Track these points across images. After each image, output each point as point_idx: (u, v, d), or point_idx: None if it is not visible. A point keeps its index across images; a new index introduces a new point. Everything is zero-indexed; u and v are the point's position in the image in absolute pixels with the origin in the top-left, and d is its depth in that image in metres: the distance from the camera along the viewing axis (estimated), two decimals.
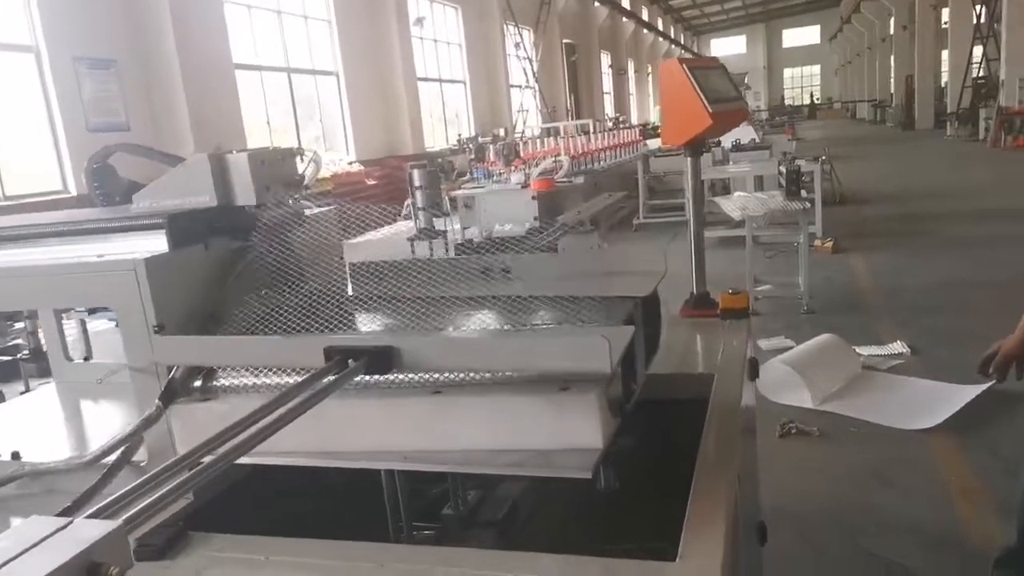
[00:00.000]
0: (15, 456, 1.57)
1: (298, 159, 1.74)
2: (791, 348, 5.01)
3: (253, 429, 1.09)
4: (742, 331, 2.16)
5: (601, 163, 11.26)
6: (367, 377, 1.30)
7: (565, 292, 1.60)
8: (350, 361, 1.19)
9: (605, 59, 34.59)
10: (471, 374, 1.29)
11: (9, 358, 5.98)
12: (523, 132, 19.97)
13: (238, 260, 1.55)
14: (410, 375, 1.32)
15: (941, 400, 4.18)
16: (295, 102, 14.96)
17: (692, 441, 1.56)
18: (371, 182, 15.23)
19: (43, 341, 2.30)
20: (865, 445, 3.83)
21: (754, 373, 2.15)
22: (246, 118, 12.58)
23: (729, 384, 1.82)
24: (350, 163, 15.31)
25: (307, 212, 1.80)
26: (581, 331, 1.33)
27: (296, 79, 14.98)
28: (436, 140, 19.52)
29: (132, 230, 1.50)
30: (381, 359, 1.19)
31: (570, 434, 1.21)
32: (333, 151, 15.78)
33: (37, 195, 9.28)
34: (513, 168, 10.11)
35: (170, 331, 1.40)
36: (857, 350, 4.96)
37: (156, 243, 1.46)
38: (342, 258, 1.93)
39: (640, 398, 1.48)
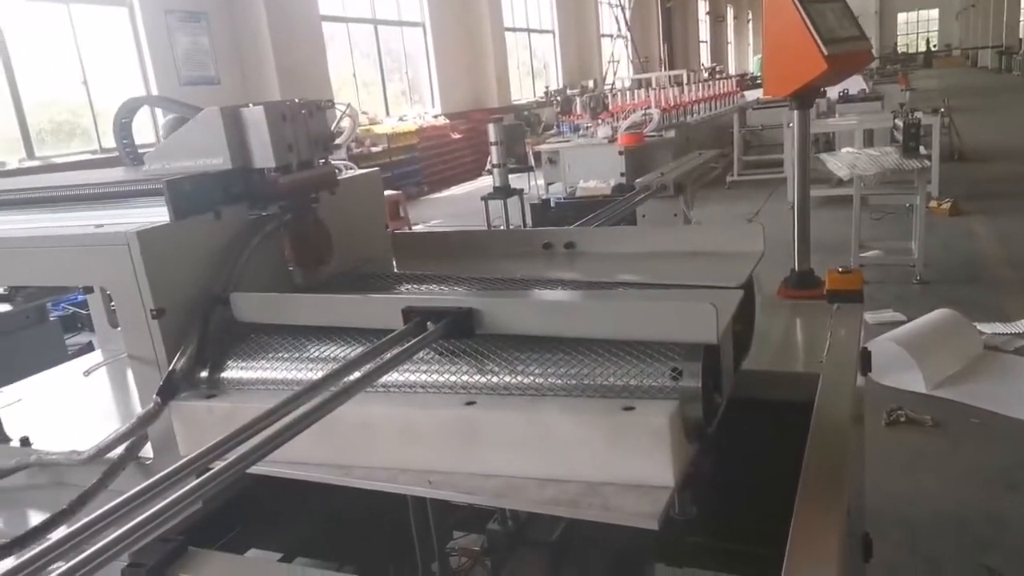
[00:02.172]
0: (24, 442, 1.44)
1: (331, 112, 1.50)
2: (902, 323, 4.53)
3: (281, 423, 0.90)
4: (854, 318, 1.82)
5: (694, 116, 10.68)
6: (388, 377, 1.09)
7: (636, 276, 1.33)
8: (429, 324, 1.08)
9: (702, 6, 32.97)
10: (512, 379, 1.05)
11: None
12: (613, 84, 19.27)
13: (255, 232, 1.33)
14: (437, 378, 1.08)
15: None
16: (381, 54, 14.84)
17: (789, 454, 1.28)
18: (456, 136, 15.06)
19: None
20: (988, 440, 3.39)
21: (866, 367, 1.82)
22: (333, 72, 12.55)
23: (838, 386, 1.50)
24: (435, 116, 15.15)
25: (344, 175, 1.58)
26: (682, 296, 1.18)
27: (383, 31, 14.83)
28: (523, 92, 19.11)
29: (138, 196, 1.31)
30: (462, 322, 1.07)
31: (633, 467, 0.96)
32: (419, 104, 15.66)
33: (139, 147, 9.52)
34: (600, 121, 9.68)
35: (171, 316, 1.21)
36: (978, 327, 4.45)
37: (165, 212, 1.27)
38: (386, 227, 1.70)
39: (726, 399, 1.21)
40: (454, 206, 12.01)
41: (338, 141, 1.45)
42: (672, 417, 0.94)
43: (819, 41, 1.70)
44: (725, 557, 1.79)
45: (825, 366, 1.58)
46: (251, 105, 1.31)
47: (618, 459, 0.96)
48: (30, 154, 8.79)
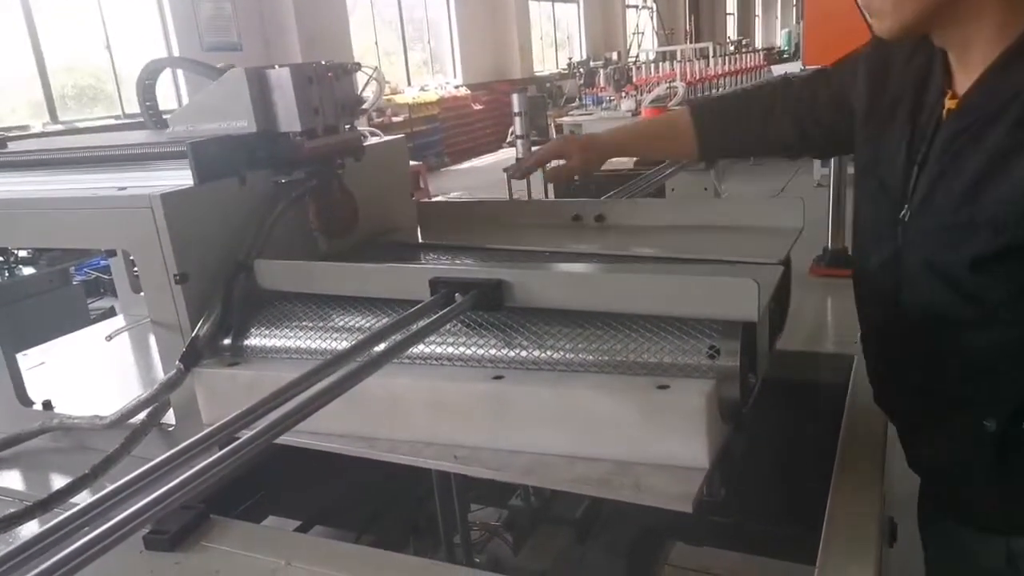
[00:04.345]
0: (47, 406, 1.43)
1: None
2: None
3: (307, 394, 0.88)
4: None
5: (719, 89, 10.49)
6: (414, 349, 1.06)
7: (670, 250, 1.29)
8: (457, 296, 1.05)
9: None
10: (541, 354, 1.02)
11: None
12: (637, 56, 18.98)
13: (280, 198, 1.31)
14: (464, 351, 1.05)
15: None
16: (404, 22, 14.67)
17: (823, 437, 1.25)
18: (478, 107, 14.93)
19: None
20: None
21: None
22: (355, 41, 12.43)
23: None
24: (457, 87, 15.01)
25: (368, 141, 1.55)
26: (721, 271, 1.15)
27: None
28: (546, 64, 18.85)
29: (162, 158, 1.28)
30: (491, 294, 1.04)
31: (667, 447, 0.93)
32: (441, 74, 15.52)
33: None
34: (624, 94, 9.53)
35: (195, 281, 1.19)
36: None
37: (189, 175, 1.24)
38: (411, 196, 1.67)
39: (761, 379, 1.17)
40: (475, 178, 11.93)
41: (365, 106, 1.41)
42: (709, 397, 0.91)
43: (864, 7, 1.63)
44: (747, 537, 1.77)
45: (860, 347, 1.54)
46: (276, 67, 1.28)
47: (651, 438, 0.93)
48: (53, 118, 8.81)
